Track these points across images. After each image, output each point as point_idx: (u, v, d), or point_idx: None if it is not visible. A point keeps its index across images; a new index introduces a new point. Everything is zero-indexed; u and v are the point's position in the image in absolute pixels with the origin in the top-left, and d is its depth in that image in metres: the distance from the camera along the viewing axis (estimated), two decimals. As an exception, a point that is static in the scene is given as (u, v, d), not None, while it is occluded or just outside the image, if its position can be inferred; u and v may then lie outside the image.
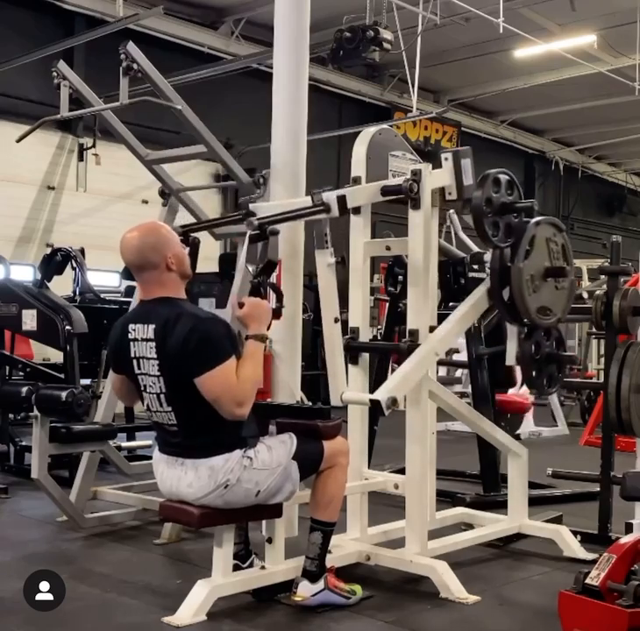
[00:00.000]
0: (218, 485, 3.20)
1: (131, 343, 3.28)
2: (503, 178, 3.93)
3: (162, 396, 3.23)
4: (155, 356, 3.20)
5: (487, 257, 4.07)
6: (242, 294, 3.75)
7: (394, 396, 3.55)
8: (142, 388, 3.30)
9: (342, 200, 3.76)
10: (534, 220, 3.95)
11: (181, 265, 3.31)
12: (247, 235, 3.65)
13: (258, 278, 3.51)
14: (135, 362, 3.28)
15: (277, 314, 3.48)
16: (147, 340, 3.21)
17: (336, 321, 3.90)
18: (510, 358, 3.99)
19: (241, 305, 3.33)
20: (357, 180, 4.20)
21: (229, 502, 3.26)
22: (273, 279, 3.62)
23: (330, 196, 3.75)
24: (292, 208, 3.97)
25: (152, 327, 3.20)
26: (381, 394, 3.54)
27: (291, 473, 3.35)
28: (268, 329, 3.38)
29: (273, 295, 3.61)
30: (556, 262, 4.00)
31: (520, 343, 3.95)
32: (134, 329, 3.26)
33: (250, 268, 3.66)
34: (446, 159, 3.85)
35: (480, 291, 4.03)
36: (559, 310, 4.02)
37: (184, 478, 3.25)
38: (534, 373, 3.98)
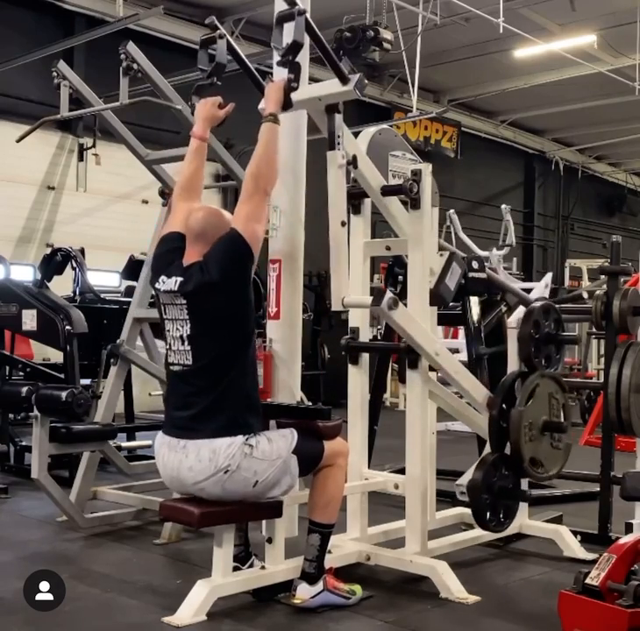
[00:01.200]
0: (218, 470, 3.21)
1: (159, 294, 3.44)
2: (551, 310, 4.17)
3: (185, 336, 3.34)
4: (183, 302, 3.32)
5: (489, 260, 4.09)
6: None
7: (395, 298, 3.57)
8: (167, 330, 3.42)
9: (361, 81, 3.75)
10: (538, 372, 4.01)
11: None
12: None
13: (285, 57, 3.60)
14: (162, 307, 3.43)
15: (289, 87, 3.60)
16: (171, 292, 3.35)
17: (343, 224, 3.82)
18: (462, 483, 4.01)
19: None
20: (356, 181, 4.19)
21: (227, 490, 3.26)
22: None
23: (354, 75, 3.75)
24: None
25: (179, 280, 3.34)
26: (383, 300, 3.55)
27: (290, 467, 3.36)
28: (283, 106, 3.59)
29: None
30: (555, 418, 4.01)
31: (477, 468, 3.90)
32: (164, 282, 3.41)
33: (276, 54, 3.74)
34: (442, 255, 4.00)
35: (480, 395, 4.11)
36: (553, 467, 4.01)
37: (185, 462, 3.27)
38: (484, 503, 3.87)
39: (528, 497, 4.18)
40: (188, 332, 3.33)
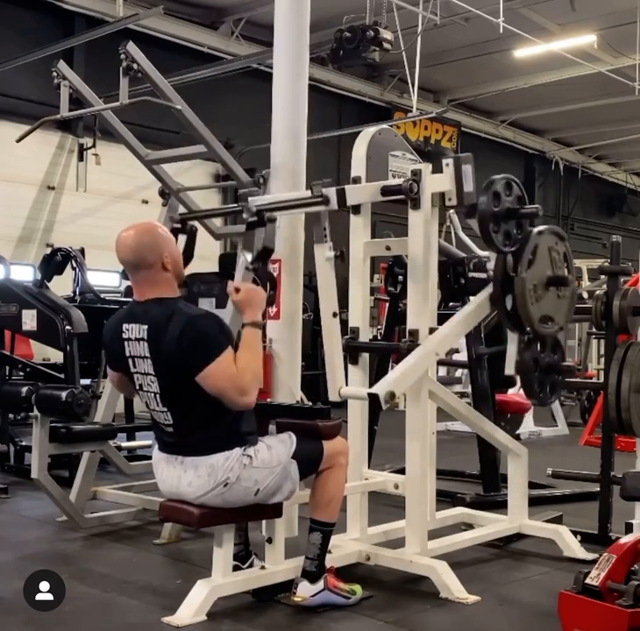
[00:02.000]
0: (218, 484, 3.20)
1: (126, 343, 3.28)
2: (509, 183, 3.93)
3: (158, 396, 3.24)
4: (149, 355, 3.20)
5: (490, 265, 4.06)
6: (240, 281, 3.78)
7: (393, 390, 3.55)
8: (138, 387, 3.31)
9: (341, 193, 3.77)
10: (537, 229, 3.93)
11: (176, 266, 3.31)
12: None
13: (254, 264, 3.53)
14: (130, 361, 3.28)
15: (270, 301, 3.52)
16: (140, 340, 3.22)
17: (334, 315, 3.89)
18: (510, 368, 3.99)
19: (237, 291, 3.34)
20: (357, 180, 4.20)
21: (228, 501, 3.26)
22: (271, 268, 3.65)
23: (329, 190, 3.76)
24: (291, 199, 3.99)
25: (145, 327, 3.21)
26: (379, 388, 3.54)
27: (291, 472, 3.35)
28: (263, 317, 3.39)
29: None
30: (558, 271, 3.99)
31: (520, 351, 3.95)
32: (128, 329, 3.26)
33: (247, 256, 3.68)
34: (447, 164, 3.82)
35: (482, 296, 4.02)
36: (561, 319, 4.01)
37: (184, 477, 3.25)
38: (534, 383, 3.98)
39: (574, 369, 4.26)
40: (158, 391, 3.23)
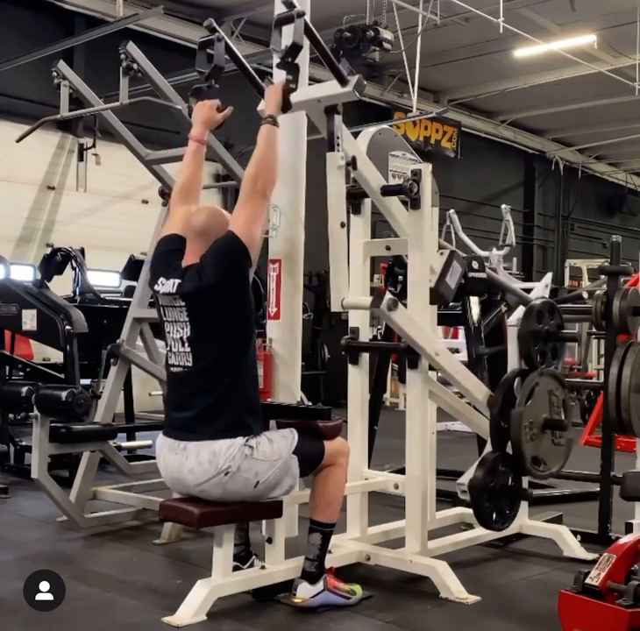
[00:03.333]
0: (219, 472, 3.22)
1: (158, 296, 3.43)
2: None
3: (185, 338, 3.33)
4: (182, 304, 3.32)
5: (489, 260, 4.08)
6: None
7: (395, 299, 3.56)
8: (167, 332, 3.41)
9: (361, 83, 3.74)
10: (538, 370, 3.99)
11: None
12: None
13: (284, 59, 3.59)
14: (162, 310, 3.42)
15: (289, 87, 3.59)
16: (170, 294, 3.35)
17: (342, 225, 3.82)
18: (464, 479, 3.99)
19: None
20: (357, 180, 4.20)
21: (228, 491, 3.27)
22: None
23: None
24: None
25: (177, 282, 3.34)
26: (382, 302, 3.55)
27: (291, 467, 3.36)
28: (282, 107, 3.58)
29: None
30: (555, 416, 4.01)
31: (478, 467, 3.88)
32: (161, 283, 3.41)
33: (276, 56, 3.73)
34: (442, 253, 3.97)
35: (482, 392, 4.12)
36: (554, 465, 4.00)
37: (185, 464, 3.27)
38: (484, 508, 3.85)
39: (529, 495, 4.17)
40: (188, 334, 3.32)
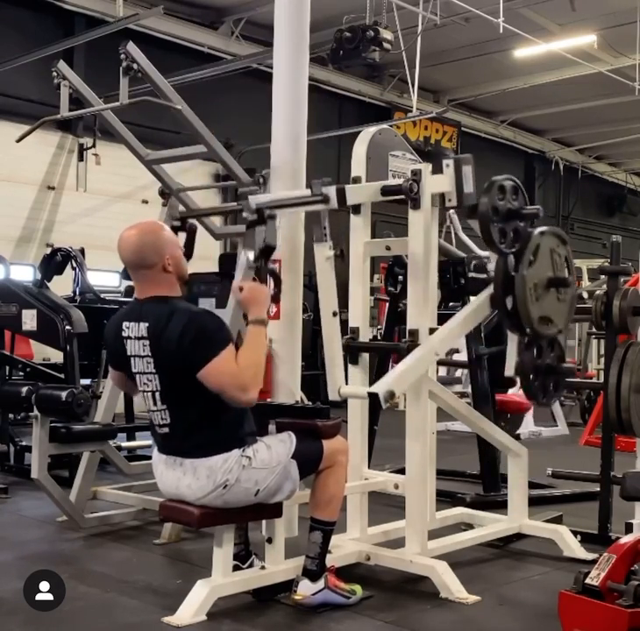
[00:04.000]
0: (217, 486, 3.20)
1: (126, 341, 3.28)
2: (509, 184, 3.92)
3: (157, 394, 3.24)
4: (149, 354, 3.20)
5: (491, 266, 4.05)
6: (243, 280, 3.79)
7: (392, 389, 3.54)
8: (138, 386, 3.32)
9: (341, 192, 3.76)
10: (539, 230, 3.93)
11: (177, 267, 3.32)
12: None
13: (257, 262, 3.54)
14: (132, 360, 3.29)
15: (275, 299, 3.53)
16: (140, 338, 3.22)
17: (334, 315, 3.88)
18: (510, 369, 3.99)
19: (241, 289, 3.36)
20: (357, 180, 4.20)
21: (228, 502, 3.26)
22: (273, 264, 3.66)
23: (329, 189, 3.77)
24: (291, 197, 4.00)
25: (145, 325, 3.21)
26: (379, 388, 3.54)
27: (291, 472, 3.35)
28: (268, 314, 3.41)
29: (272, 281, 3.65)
30: (559, 273, 3.99)
31: (520, 353, 3.95)
32: (128, 327, 3.27)
33: (249, 255, 3.68)
34: (448, 165, 3.80)
35: (482, 296, 4.02)
36: (561, 322, 4.00)
37: (183, 479, 3.25)
38: (533, 385, 3.97)
39: (572, 371, 4.25)
40: (159, 388, 3.24)
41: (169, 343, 3.14)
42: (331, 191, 3.77)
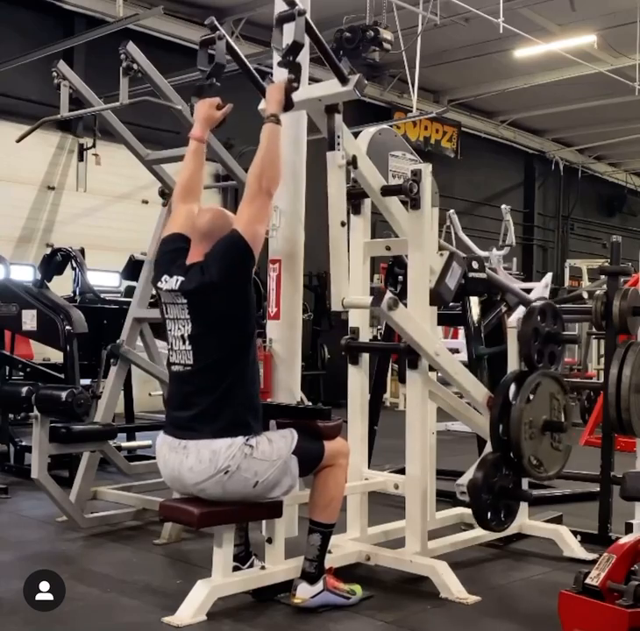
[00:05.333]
0: (219, 470, 3.22)
1: (160, 292, 3.45)
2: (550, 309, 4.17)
3: (186, 336, 3.34)
4: (184, 301, 3.33)
5: (489, 260, 4.08)
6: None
7: (395, 298, 3.56)
8: (168, 329, 3.42)
9: (361, 82, 3.75)
10: (540, 371, 4.00)
11: None
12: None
13: (286, 58, 3.60)
14: (164, 307, 3.44)
15: (291, 86, 3.60)
16: (172, 291, 3.36)
17: (342, 224, 3.81)
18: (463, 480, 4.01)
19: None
20: (356, 181, 4.19)
21: (227, 490, 3.27)
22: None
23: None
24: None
25: (180, 279, 3.35)
26: (383, 298, 3.55)
27: (291, 468, 3.36)
28: (284, 106, 3.58)
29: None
30: (555, 418, 4.01)
31: (478, 469, 3.88)
32: (164, 280, 3.42)
33: (276, 55, 3.74)
34: (442, 254, 3.97)
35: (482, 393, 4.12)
36: (551, 469, 3.99)
37: (185, 462, 3.27)
38: (484, 507, 3.86)
39: (529, 496, 4.17)
40: (189, 332, 3.33)
41: (198, 273, 3.29)
42: (355, 76, 3.77)
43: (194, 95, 3.85)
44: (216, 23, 3.73)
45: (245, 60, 3.92)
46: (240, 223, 3.34)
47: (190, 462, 3.26)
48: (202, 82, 3.78)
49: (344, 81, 3.68)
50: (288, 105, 3.60)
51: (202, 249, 3.39)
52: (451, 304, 5.67)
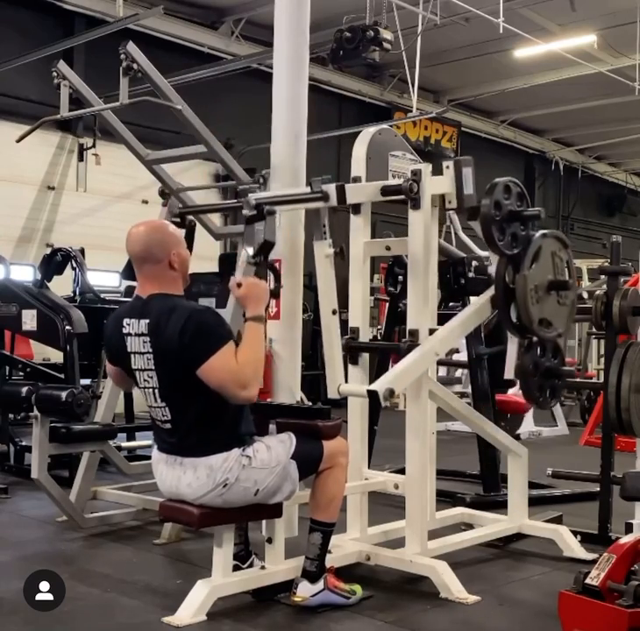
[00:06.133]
0: (217, 484, 3.20)
1: (126, 338, 3.29)
2: (512, 186, 3.93)
3: (156, 391, 3.25)
4: (150, 350, 3.21)
5: (491, 269, 4.05)
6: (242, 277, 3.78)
7: (392, 387, 3.54)
8: (138, 383, 3.32)
9: (341, 190, 3.76)
10: (540, 232, 3.93)
11: (182, 265, 3.34)
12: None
13: (256, 258, 3.53)
14: (132, 357, 3.29)
15: (275, 294, 3.53)
16: (141, 335, 3.23)
17: (334, 313, 3.88)
18: (510, 372, 3.99)
19: (239, 285, 3.34)
20: (357, 180, 4.20)
21: (228, 501, 3.26)
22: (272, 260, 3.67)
23: (329, 186, 3.76)
24: (291, 194, 3.99)
25: (145, 322, 3.22)
26: (379, 386, 3.54)
27: (290, 473, 3.35)
28: (267, 310, 3.41)
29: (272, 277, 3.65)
30: (560, 276, 3.99)
31: (520, 355, 3.95)
32: (128, 324, 3.27)
33: (249, 250, 3.67)
34: (448, 167, 3.81)
35: (484, 298, 4.02)
36: (561, 325, 3.99)
37: (183, 478, 3.25)
38: (533, 387, 3.97)
39: (571, 373, 4.28)
40: (157, 385, 3.24)
41: (170, 340, 3.14)
42: (331, 189, 3.77)
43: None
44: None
45: None
46: (210, 370, 3.09)
47: (188, 478, 3.24)
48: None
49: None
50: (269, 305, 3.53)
51: (147, 273, 3.24)
52: (451, 304, 5.69)
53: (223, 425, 3.24)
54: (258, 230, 3.64)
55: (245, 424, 3.33)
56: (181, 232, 3.43)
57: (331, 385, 3.89)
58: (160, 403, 3.25)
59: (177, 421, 3.25)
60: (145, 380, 3.27)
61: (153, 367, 3.23)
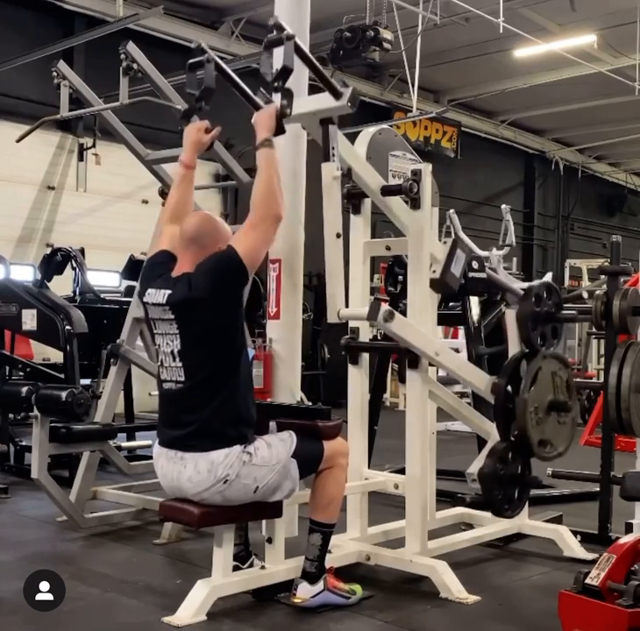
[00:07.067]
0: (218, 480, 3.21)
1: (147, 307, 3.39)
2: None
3: (176, 352, 3.29)
4: (172, 317, 3.27)
5: (489, 260, 4.06)
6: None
7: (391, 309, 3.55)
8: (157, 346, 3.38)
9: (354, 96, 3.69)
10: (541, 353, 3.99)
11: None
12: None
13: (275, 82, 3.55)
14: (152, 323, 3.39)
15: (284, 113, 3.52)
16: (159, 304, 3.31)
17: (338, 236, 3.81)
18: (474, 467, 3.99)
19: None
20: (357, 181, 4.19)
21: (228, 498, 3.26)
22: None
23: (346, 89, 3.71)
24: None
25: (168, 292, 3.29)
26: (381, 312, 3.54)
27: (290, 471, 3.35)
28: (276, 132, 3.48)
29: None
30: (560, 396, 4.00)
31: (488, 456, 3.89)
32: (150, 294, 3.37)
33: (267, 78, 3.69)
34: (445, 242, 3.96)
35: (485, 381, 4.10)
36: (561, 444, 4.00)
37: (184, 472, 3.26)
38: (495, 497, 3.88)
39: (538, 482, 4.17)
40: (179, 348, 3.28)
41: (195, 281, 3.23)
42: (348, 90, 3.72)
43: (181, 119, 3.82)
44: (204, 46, 3.70)
45: (237, 79, 3.88)
46: (240, 245, 3.24)
47: (188, 472, 3.24)
48: (191, 106, 3.73)
49: (337, 95, 3.65)
50: (279, 131, 3.52)
51: (189, 257, 3.32)
52: (451, 304, 5.69)
53: (226, 416, 3.24)
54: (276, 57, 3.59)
55: (250, 424, 3.32)
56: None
57: (331, 309, 3.79)
58: (178, 363, 3.28)
59: (189, 383, 3.27)
60: (166, 344, 3.32)
61: (176, 330, 3.27)
